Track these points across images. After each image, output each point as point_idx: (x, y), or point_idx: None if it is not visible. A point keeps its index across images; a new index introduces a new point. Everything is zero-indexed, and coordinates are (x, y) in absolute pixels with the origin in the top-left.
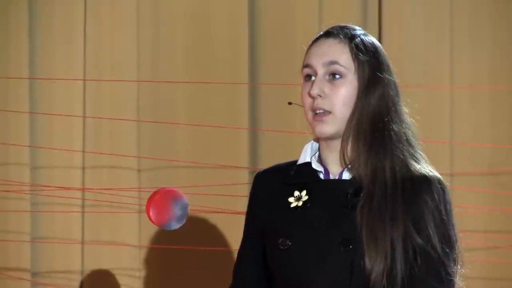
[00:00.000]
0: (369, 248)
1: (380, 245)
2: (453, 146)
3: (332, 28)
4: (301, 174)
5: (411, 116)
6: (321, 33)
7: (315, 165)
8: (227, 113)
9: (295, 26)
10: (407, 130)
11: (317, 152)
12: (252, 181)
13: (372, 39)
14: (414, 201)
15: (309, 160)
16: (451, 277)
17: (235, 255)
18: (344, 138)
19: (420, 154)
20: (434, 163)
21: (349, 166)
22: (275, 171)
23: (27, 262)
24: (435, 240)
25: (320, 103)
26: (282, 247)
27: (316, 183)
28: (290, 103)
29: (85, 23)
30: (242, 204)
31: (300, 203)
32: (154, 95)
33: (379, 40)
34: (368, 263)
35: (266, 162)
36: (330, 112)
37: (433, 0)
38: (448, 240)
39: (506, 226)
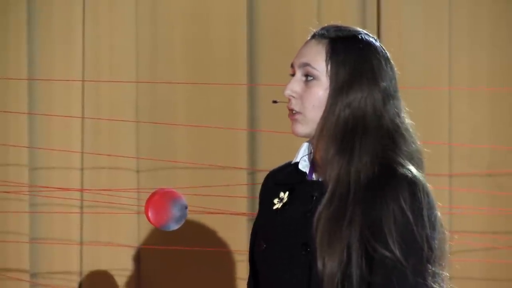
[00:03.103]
0: (321, 251)
1: (333, 249)
2: (452, 147)
3: (319, 28)
4: (290, 175)
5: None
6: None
7: (302, 166)
8: (226, 114)
9: (294, 27)
10: (390, 134)
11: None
12: (250, 182)
13: (366, 39)
14: (375, 204)
15: (298, 160)
16: (408, 280)
17: (234, 256)
18: (314, 139)
19: (400, 158)
20: (432, 164)
21: (322, 168)
22: (278, 171)
23: (26, 263)
24: (394, 243)
25: (293, 103)
26: (259, 249)
27: (299, 184)
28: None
29: (83, 24)
30: (241, 205)
31: (280, 205)
32: (152, 95)
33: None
34: (320, 266)
35: (265, 163)
36: (301, 113)
37: (432, 0)
38: (411, 242)
39: (505, 227)
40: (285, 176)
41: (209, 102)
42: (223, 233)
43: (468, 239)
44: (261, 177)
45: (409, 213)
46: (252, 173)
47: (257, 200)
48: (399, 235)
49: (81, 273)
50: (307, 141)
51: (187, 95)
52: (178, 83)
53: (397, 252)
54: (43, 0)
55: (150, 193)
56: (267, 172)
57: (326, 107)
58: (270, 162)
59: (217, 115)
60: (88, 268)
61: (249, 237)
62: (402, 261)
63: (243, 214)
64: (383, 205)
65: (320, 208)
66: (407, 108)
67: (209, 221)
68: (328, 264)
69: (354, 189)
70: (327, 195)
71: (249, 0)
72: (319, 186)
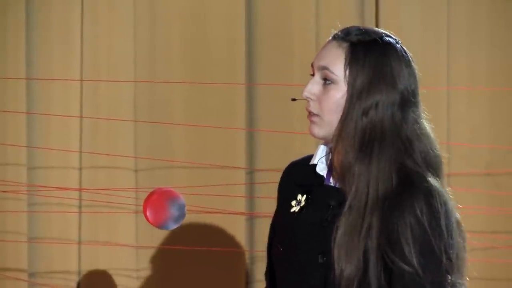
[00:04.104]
0: (339, 260)
1: (350, 257)
2: (451, 147)
3: (342, 30)
4: (308, 176)
5: None
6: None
7: (319, 169)
8: (224, 114)
9: (292, 27)
10: (408, 139)
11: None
12: (248, 181)
13: (387, 43)
14: (392, 215)
15: (316, 163)
16: None
17: (233, 255)
18: (333, 142)
19: (418, 166)
20: None
21: (340, 174)
22: (298, 165)
23: (24, 262)
24: (411, 255)
25: (311, 105)
26: (276, 252)
27: (317, 187)
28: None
29: (82, 24)
30: (239, 204)
31: (297, 209)
32: (151, 95)
33: None
34: (337, 273)
35: (263, 162)
36: (318, 115)
37: (431, 0)
38: (429, 254)
39: (504, 226)
40: (303, 177)
41: (207, 101)
42: (222, 232)
43: (467, 238)
44: (259, 177)
45: (426, 225)
46: (250, 172)
47: (256, 200)
48: (416, 247)
49: (79, 272)
50: (322, 144)
51: (185, 95)
52: (176, 82)
53: (415, 264)
54: (42, 0)
55: (148, 193)
56: (266, 172)
57: (343, 112)
58: (268, 161)
59: (215, 115)
60: (86, 267)
61: (249, 235)
62: (420, 274)
63: (242, 213)
64: (399, 216)
65: (339, 217)
66: (426, 112)
67: (208, 220)
68: (345, 272)
69: (372, 199)
70: (346, 205)
71: (247, 0)
72: (336, 194)
